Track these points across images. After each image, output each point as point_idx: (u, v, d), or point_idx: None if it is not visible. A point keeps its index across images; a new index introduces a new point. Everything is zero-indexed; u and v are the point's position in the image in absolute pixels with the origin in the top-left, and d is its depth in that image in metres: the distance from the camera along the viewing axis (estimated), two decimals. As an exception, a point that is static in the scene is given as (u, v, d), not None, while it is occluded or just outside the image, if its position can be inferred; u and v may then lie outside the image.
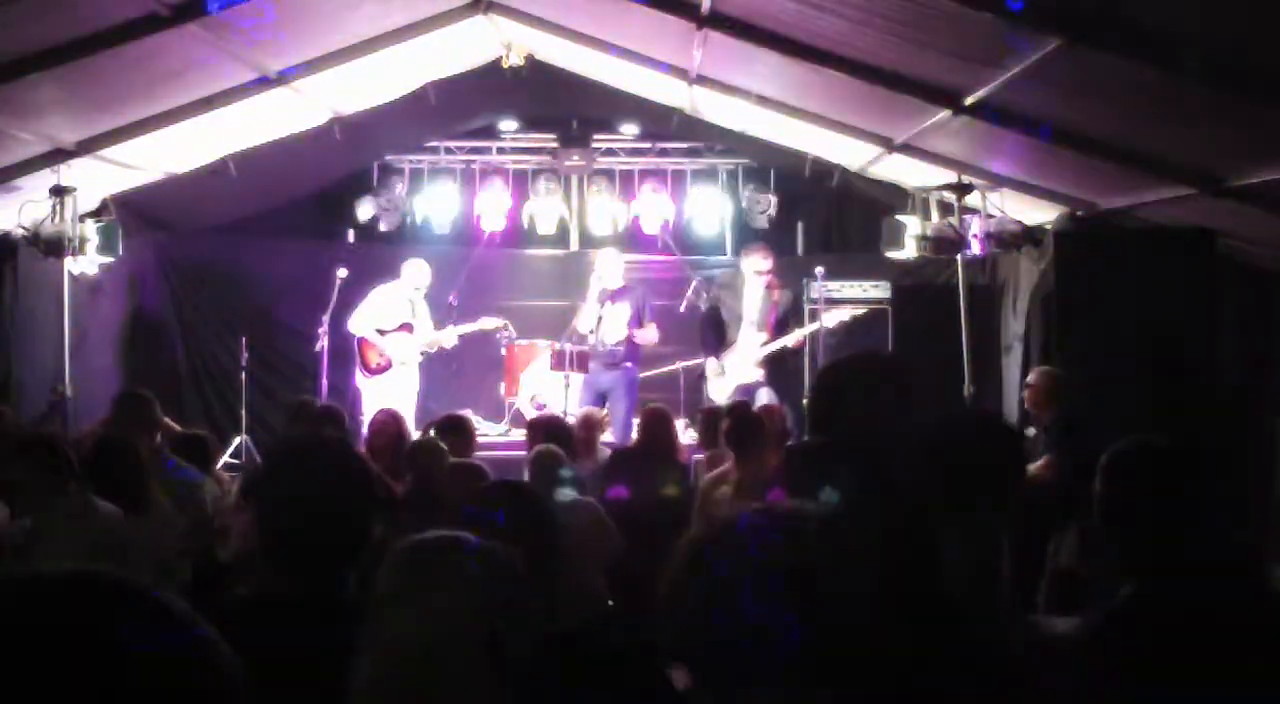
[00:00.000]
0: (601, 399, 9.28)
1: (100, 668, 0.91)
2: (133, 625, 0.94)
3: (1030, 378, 7.13)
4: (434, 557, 1.88)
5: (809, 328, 9.18)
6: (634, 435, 7.56)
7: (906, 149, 7.95)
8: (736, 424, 5.95)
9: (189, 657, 0.95)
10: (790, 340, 9.08)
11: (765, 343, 9.11)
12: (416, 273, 9.61)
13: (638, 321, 9.30)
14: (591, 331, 9.27)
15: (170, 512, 4.91)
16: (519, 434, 9.67)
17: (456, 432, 6.24)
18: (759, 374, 9.10)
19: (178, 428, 7.14)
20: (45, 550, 4.07)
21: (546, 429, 6.32)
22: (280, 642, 2.04)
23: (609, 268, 9.39)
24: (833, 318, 9.20)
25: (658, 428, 6.79)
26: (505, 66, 9.16)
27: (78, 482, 4.41)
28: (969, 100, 6.28)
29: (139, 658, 0.92)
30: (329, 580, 2.27)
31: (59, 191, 7.61)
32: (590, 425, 7.46)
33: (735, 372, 9.16)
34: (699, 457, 6.85)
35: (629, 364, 9.36)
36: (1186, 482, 2.50)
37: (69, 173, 7.55)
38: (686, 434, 9.57)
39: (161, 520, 4.77)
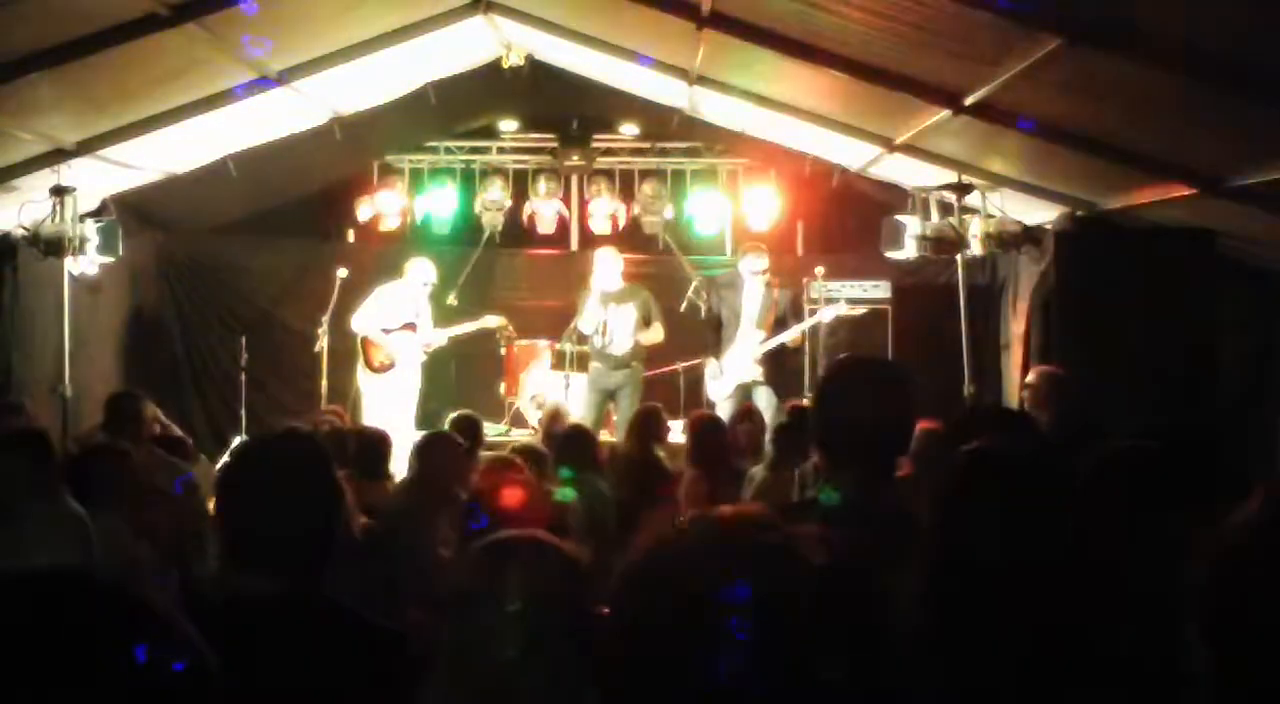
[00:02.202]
0: (609, 398, 9.27)
1: (76, 665, 0.91)
2: (111, 623, 0.94)
3: (1030, 378, 7.12)
4: (515, 556, 1.88)
5: (806, 323, 9.18)
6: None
7: (906, 149, 7.95)
8: (790, 426, 5.95)
9: (166, 655, 0.95)
10: (788, 337, 9.07)
11: (764, 341, 9.11)
12: (423, 271, 9.57)
13: (645, 324, 9.27)
14: (597, 333, 9.22)
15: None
16: (519, 434, 9.68)
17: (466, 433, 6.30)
18: (757, 372, 9.09)
19: (160, 427, 7.13)
20: (20, 545, 4.00)
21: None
22: (258, 640, 2.04)
23: (606, 268, 9.34)
24: (829, 312, 9.21)
25: (645, 430, 6.77)
26: (505, 66, 9.16)
27: (62, 481, 4.38)
28: (969, 100, 6.28)
29: (115, 656, 0.92)
30: (301, 578, 2.27)
31: (59, 191, 7.61)
32: (557, 420, 7.47)
33: (734, 371, 9.15)
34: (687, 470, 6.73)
35: (635, 363, 9.34)
36: (1172, 485, 2.51)
37: (69, 173, 7.54)
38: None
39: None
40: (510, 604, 1.82)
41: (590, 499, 5.54)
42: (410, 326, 9.55)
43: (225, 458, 9.34)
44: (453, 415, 6.87)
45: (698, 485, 6.10)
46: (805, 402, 8.13)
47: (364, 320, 9.47)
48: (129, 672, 0.92)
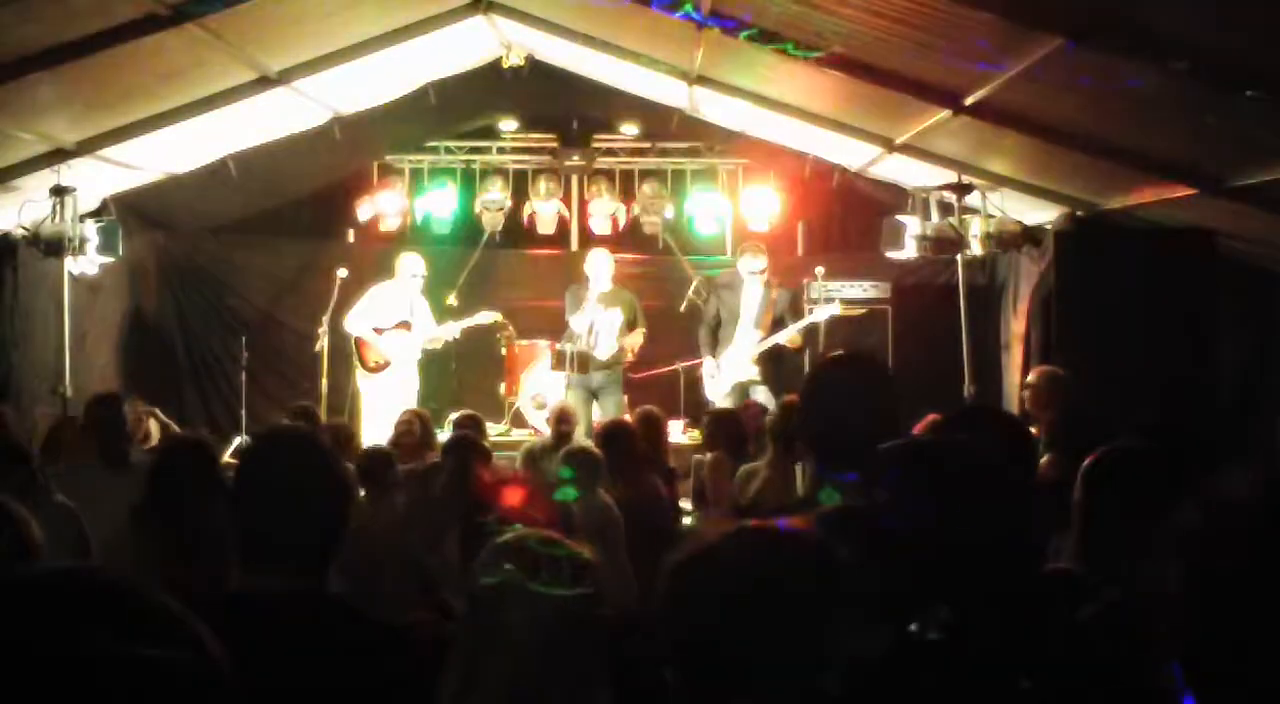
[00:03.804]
0: (593, 397, 9.30)
1: (91, 667, 0.90)
2: (125, 623, 0.94)
3: (1030, 378, 7.12)
4: (538, 553, 1.89)
5: (802, 323, 9.19)
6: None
7: (906, 149, 7.95)
8: (786, 421, 5.98)
9: (179, 655, 0.95)
10: (784, 337, 9.08)
11: (760, 340, 9.13)
12: (412, 265, 9.58)
13: (629, 328, 9.30)
14: (584, 334, 9.24)
15: None
16: (520, 434, 9.69)
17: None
18: (754, 371, 9.11)
19: (157, 426, 7.14)
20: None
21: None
22: (266, 638, 2.04)
23: (600, 269, 9.36)
24: (824, 313, 9.21)
25: (649, 431, 6.81)
26: (505, 66, 9.16)
27: (37, 472, 4.37)
28: (969, 100, 6.28)
29: (129, 656, 0.92)
30: (309, 576, 2.27)
31: (59, 191, 7.61)
32: (565, 421, 7.50)
33: (731, 370, 9.17)
34: (699, 457, 6.85)
35: (616, 365, 9.39)
36: (1162, 486, 2.50)
37: (69, 173, 7.54)
38: (686, 434, 9.59)
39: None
40: (527, 606, 1.83)
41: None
42: (405, 325, 9.54)
43: (227, 457, 9.37)
44: (455, 416, 6.93)
45: (721, 467, 6.17)
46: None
47: (356, 320, 9.47)
48: (136, 670, 0.92)
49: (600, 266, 9.33)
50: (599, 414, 9.31)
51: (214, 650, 0.97)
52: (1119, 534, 2.47)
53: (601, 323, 9.22)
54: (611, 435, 6.14)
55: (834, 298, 9.51)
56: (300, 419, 7.22)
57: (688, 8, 6.34)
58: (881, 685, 1.62)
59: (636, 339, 9.36)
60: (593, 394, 9.33)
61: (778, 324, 9.17)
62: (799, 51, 6.26)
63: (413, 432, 6.97)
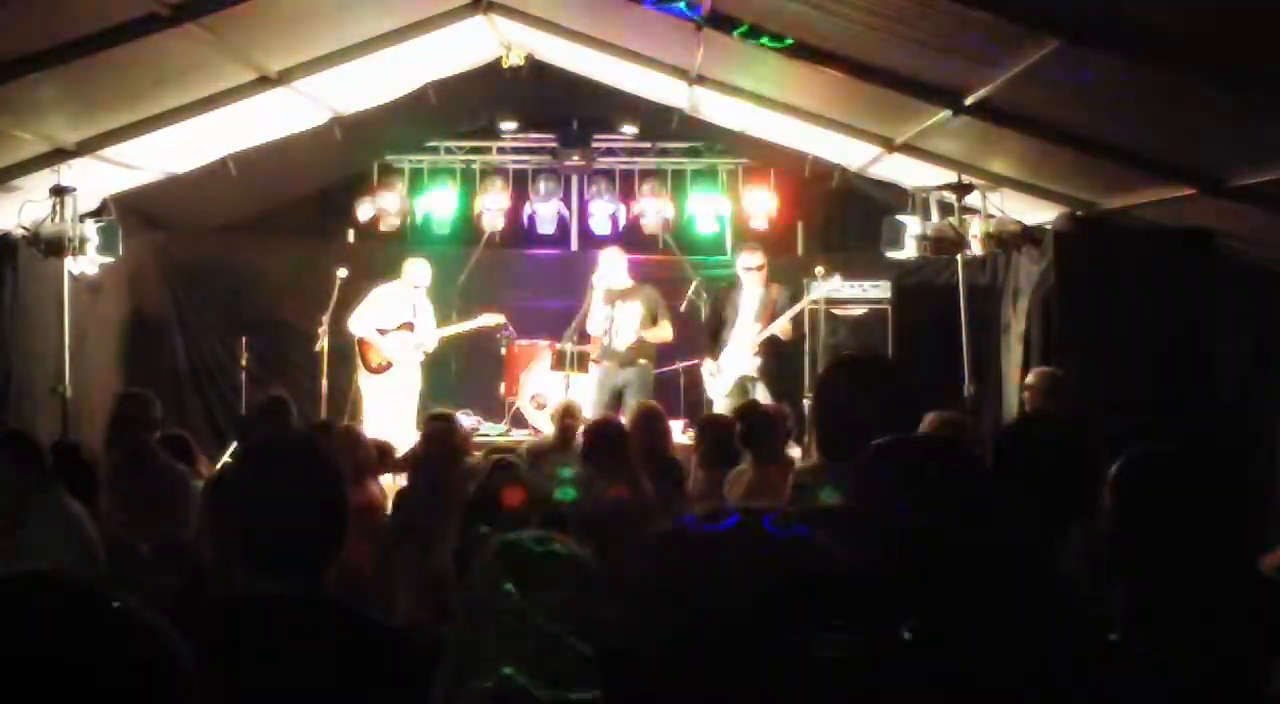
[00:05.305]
0: (618, 396, 9.31)
1: (43, 670, 0.90)
2: (78, 627, 0.93)
3: (1030, 378, 7.12)
4: (539, 555, 1.89)
5: (795, 308, 9.22)
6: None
7: (906, 149, 7.95)
8: (750, 425, 5.94)
9: (137, 657, 0.94)
10: (777, 326, 9.13)
11: (760, 332, 9.16)
12: (417, 271, 9.66)
13: (651, 321, 9.32)
14: (604, 333, 9.28)
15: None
16: (520, 434, 9.69)
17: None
18: (755, 365, 9.13)
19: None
20: (20, 549, 4.00)
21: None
22: (267, 640, 2.04)
23: (612, 268, 9.40)
24: (818, 291, 9.24)
25: (650, 427, 6.76)
26: (505, 66, 9.16)
27: (52, 480, 4.35)
28: (969, 100, 6.28)
29: (82, 659, 0.92)
30: (309, 579, 2.27)
31: (59, 191, 7.60)
32: (570, 416, 7.46)
33: (731, 366, 9.20)
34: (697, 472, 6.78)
35: (644, 361, 9.38)
36: (1197, 490, 2.48)
37: (69, 173, 7.53)
38: (685, 435, 9.59)
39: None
40: (521, 606, 1.83)
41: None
42: (408, 326, 9.57)
43: (227, 457, 9.37)
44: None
45: (710, 486, 6.13)
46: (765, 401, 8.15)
47: (360, 322, 9.52)
48: (92, 676, 0.92)
49: (612, 265, 9.40)
50: (624, 413, 9.29)
51: (181, 651, 0.97)
52: (1149, 537, 2.44)
53: (620, 317, 9.25)
54: (599, 434, 5.88)
55: (834, 298, 9.53)
56: (271, 414, 7.09)
57: (681, 5, 6.33)
58: (871, 687, 1.62)
59: (660, 334, 9.37)
60: (618, 393, 9.34)
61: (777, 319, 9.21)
62: (773, 42, 6.26)
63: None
